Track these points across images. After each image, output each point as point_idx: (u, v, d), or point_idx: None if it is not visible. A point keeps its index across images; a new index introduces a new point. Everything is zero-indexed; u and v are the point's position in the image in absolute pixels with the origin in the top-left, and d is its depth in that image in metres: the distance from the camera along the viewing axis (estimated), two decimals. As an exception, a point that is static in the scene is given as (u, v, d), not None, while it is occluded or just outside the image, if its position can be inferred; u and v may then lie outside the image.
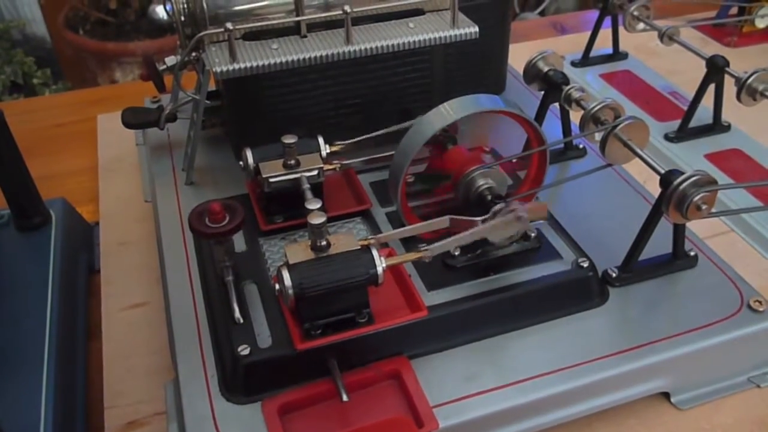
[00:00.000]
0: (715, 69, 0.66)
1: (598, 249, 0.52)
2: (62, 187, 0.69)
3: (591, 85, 0.79)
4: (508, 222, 0.43)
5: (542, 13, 2.43)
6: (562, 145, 0.62)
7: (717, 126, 0.70)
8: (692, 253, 0.52)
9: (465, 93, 0.68)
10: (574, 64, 0.83)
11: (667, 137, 0.70)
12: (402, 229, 0.46)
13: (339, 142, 0.55)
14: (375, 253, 0.42)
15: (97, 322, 0.55)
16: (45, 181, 0.61)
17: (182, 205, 0.57)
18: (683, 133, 0.69)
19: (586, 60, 0.82)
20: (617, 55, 0.83)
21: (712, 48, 0.91)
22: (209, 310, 0.47)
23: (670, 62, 0.85)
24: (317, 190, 0.51)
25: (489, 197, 0.47)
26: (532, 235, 0.50)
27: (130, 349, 0.52)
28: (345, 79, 0.60)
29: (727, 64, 0.66)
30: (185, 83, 0.59)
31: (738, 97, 0.63)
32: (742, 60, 0.88)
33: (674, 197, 0.45)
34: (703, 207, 0.45)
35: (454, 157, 0.51)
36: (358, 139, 0.55)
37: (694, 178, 0.45)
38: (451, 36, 0.58)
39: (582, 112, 0.54)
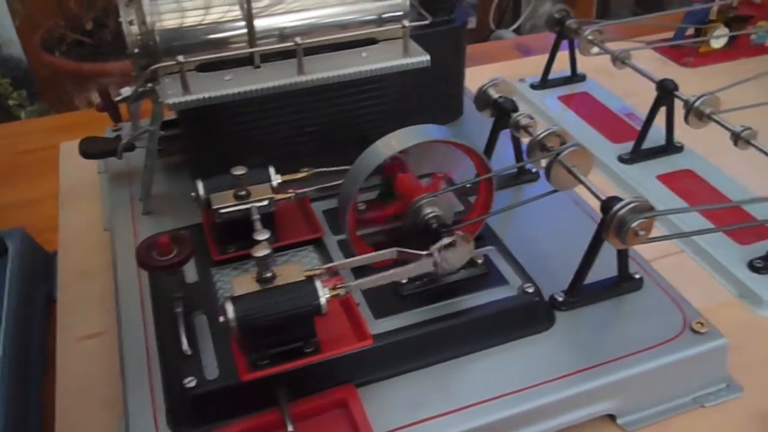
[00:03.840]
0: (665, 92, 0.67)
1: (548, 273, 0.53)
2: (24, 216, 0.69)
3: (549, 108, 0.81)
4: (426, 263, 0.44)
5: (517, 31, 2.47)
6: (515, 170, 0.63)
7: (670, 147, 0.72)
8: (638, 276, 0.53)
9: (422, 119, 0.69)
10: (533, 86, 0.84)
11: (621, 159, 0.71)
12: (349, 260, 0.47)
13: (288, 175, 0.56)
14: (318, 284, 0.42)
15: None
16: (6, 210, 0.61)
17: (138, 235, 0.58)
18: (636, 155, 0.71)
19: (545, 83, 0.84)
20: (575, 77, 0.85)
21: (670, 69, 0.93)
22: (160, 342, 0.48)
23: (628, 83, 0.86)
24: (268, 220, 0.52)
25: (435, 225, 0.48)
26: (479, 261, 0.51)
27: (85, 380, 0.52)
28: (300, 107, 0.61)
29: (676, 87, 0.67)
30: (147, 111, 0.59)
31: (686, 120, 0.65)
32: (699, 80, 0.90)
33: (613, 223, 0.46)
34: (641, 233, 0.46)
35: (404, 185, 0.52)
36: (303, 174, 0.56)
37: (632, 205, 0.46)
38: (402, 65, 0.59)
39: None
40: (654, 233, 0.60)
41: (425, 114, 0.69)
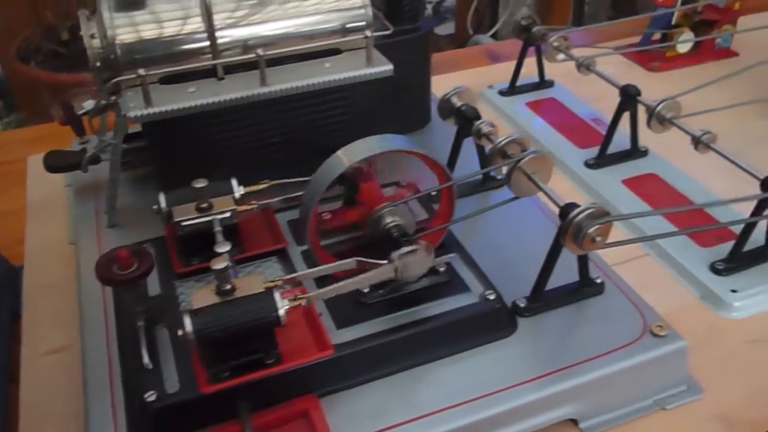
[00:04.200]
0: (628, 97, 0.68)
1: (511, 279, 0.53)
2: (-9, 230, 0.69)
3: (518, 114, 0.81)
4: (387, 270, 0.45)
5: (495, 36, 2.48)
6: (480, 177, 0.64)
7: (635, 152, 0.73)
8: (599, 281, 0.53)
9: (389, 127, 0.69)
10: (502, 93, 0.85)
11: (587, 164, 0.72)
12: (309, 270, 0.47)
13: (253, 186, 0.56)
14: (277, 295, 0.43)
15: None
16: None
17: (102, 249, 0.57)
18: (602, 160, 0.72)
19: (513, 89, 0.85)
20: (543, 83, 0.86)
21: (638, 73, 0.94)
22: (122, 356, 0.48)
23: (596, 89, 0.87)
24: (232, 232, 0.52)
25: (396, 234, 0.49)
26: (441, 269, 0.51)
27: (49, 395, 0.52)
28: (265, 118, 0.61)
29: (639, 93, 0.68)
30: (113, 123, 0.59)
31: (648, 124, 0.66)
32: (665, 84, 0.91)
33: (570, 229, 0.47)
34: (598, 239, 0.47)
35: (366, 194, 0.52)
36: (267, 185, 0.56)
37: (588, 211, 0.47)
38: (365, 75, 0.59)
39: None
40: (619, 237, 0.61)
41: (392, 122, 0.70)
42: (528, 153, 0.52)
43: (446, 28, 2.64)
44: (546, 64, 0.85)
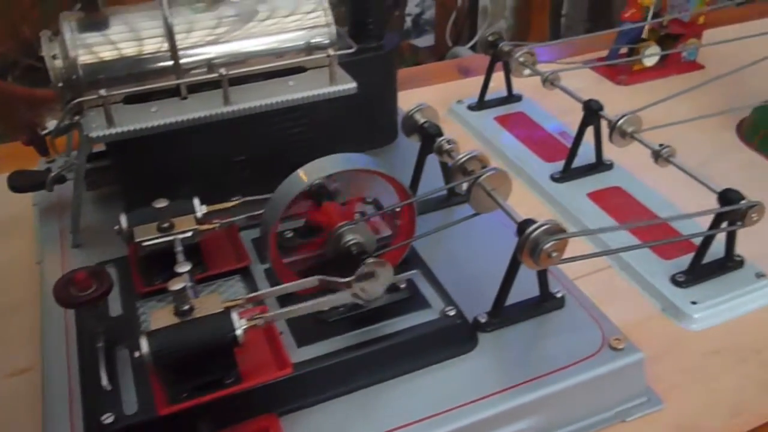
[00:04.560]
0: (591, 112, 0.69)
1: (474, 294, 0.54)
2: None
3: (486, 129, 0.82)
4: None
5: (474, 48, 2.50)
6: (445, 193, 0.64)
7: (600, 165, 0.74)
8: (559, 295, 0.54)
9: (355, 144, 0.69)
10: (471, 107, 0.86)
11: (553, 178, 0.73)
12: (269, 289, 0.47)
13: (218, 204, 0.56)
14: (234, 315, 0.43)
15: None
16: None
17: (66, 268, 0.57)
18: (567, 174, 0.73)
19: (481, 104, 0.85)
20: (511, 97, 0.87)
21: (606, 86, 0.95)
22: (81, 378, 0.48)
23: (564, 102, 0.88)
24: (194, 251, 0.52)
25: (355, 252, 0.49)
26: (402, 286, 0.51)
27: (11, 417, 0.52)
28: (231, 136, 0.62)
29: (601, 107, 0.69)
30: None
31: (610, 138, 0.67)
32: (632, 97, 0.92)
33: (527, 245, 0.47)
34: (554, 254, 0.47)
35: (327, 212, 0.53)
36: (232, 203, 0.56)
37: (544, 227, 0.47)
38: (328, 93, 0.60)
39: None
40: (584, 250, 0.62)
41: (359, 139, 0.70)
42: (487, 170, 0.52)
43: (426, 40, 2.66)
44: (515, 78, 0.86)
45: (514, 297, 0.53)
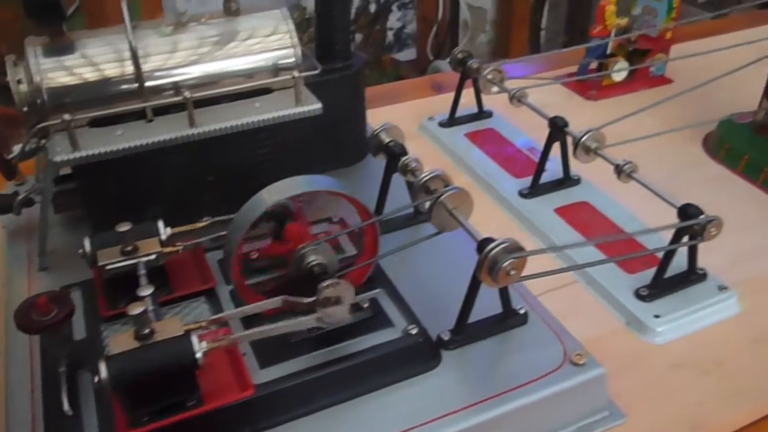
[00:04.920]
0: (556, 129, 0.70)
1: (439, 312, 0.54)
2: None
3: (456, 145, 0.83)
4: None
5: (455, 61, 2.52)
6: (412, 210, 0.65)
7: (567, 180, 0.75)
8: (522, 311, 0.55)
9: (324, 163, 0.71)
10: (441, 124, 0.87)
11: (521, 194, 0.74)
12: (232, 311, 0.47)
13: (185, 226, 0.56)
14: (194, 338, 0.43)
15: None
16: None
17: (32, 292, 0.57)
18: (535, 190, 0.73)
19: (452, 121, 0.86)
20: (482, 114, 0.88)
21: (576, 101, 0.96)
22: (44, 403, 0.48)
23: (534, 118, 0.89)
24: (159, 273, 0.52)
25: (318, 273, 0.50)
26: (365, 305, 0.52)
27: (-24, 444, 0.52)
28: (198, 158, 0.62)
29: (566, 124, 0.70)
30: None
31: (574, 155, 0.68)
32: (601, 112, 0.94)
33: (486, 263, 0.48)
34: (512, 272, 0.48)
35: (291, 233, 0.53)
36: (198, 225, 0.56)
37: (503, 246, 0.48)
38: (294, 114, 0.61)
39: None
40: (551, 265, 0.62)
41: (328, 157, 0.71)
42: (448, 189, 0.53)
43: (407, 54, 2.68)
44: (485, 95, 0.87)
45: (477, 314, 0.54)
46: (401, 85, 1.05)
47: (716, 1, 2.70)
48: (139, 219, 0.55)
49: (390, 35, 2.63)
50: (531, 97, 0.91)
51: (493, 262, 0.48)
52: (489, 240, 0.49)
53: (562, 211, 0.71)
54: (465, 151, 0.82)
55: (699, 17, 1.03)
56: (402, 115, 0.93)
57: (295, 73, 0.60)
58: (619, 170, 0.64)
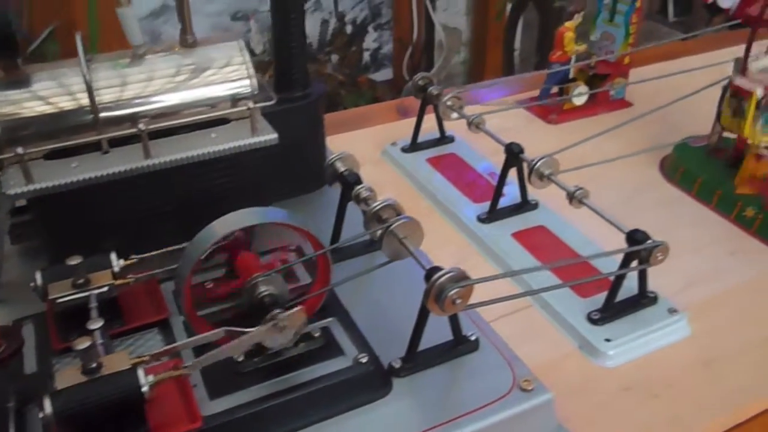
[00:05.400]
0: (512, 155, 0.72)
1: (393, 339, 0.55)
2: None
3: (418, 171, 0.84)
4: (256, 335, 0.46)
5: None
6: (368, 237, 0.66)
7: (525, 205, 0.76)
8: (473, 338, 0.55)
9: (283, 191, 0.71)
10: (404, 150, 0.88)
11: (479, 218, 0.75)
12: (177, 343, 0.48)
13: (142, 255, 0.57)
14: (140, 372, 0.43)
15: None
16: None
17: (-14, 325, 0.57)
18: (493, 215, 0.75)
19: (414, 146, 0.88)
20: (444, 139, 0.89)
21: (537, 125, 0.98)
22: (-8, 438, 0.48)
23: (495, 142, 0.91)
24: (111, 306, 0.53)
25: (269, 303, 0.50)
26: (316, 334, 0.53)
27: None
28: (155, 189, 0.62)
29: (522, 150, 0.72)
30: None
31: (528, 180, 0.69)
32: (562, 135, 0.95)
33: (432, 292, 0.49)
34: (458, 301, 0.49)
35: (242, 263, 0.54)
36: (153, 255, 0.57)
37: (449, 275, 0.49)
38: (249, 144, 0.61)
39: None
40: (508, 290, 0.63)
41: (288, 186, 0.72)
42: (399, 218, 0.54)
43: (384, 75, 2.70)
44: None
45: (429, 341, 0.54)
46: (367, 110, 1.06)
47: (687, 20, 2.77)
48: (97, 250, 0.56)
49: (366, 56, 2.65)
50: (494, 121, 0.92)
51: (439, 291, 0.49)
52: (436, 269, 0.50)
53: (519, 236, 0.73)
54: (426, 176, 0.83)
55: (646, 46, 1.04)
56: (367, 140, 0.94)
57: (250, 104, 0.61)
58: (570, 196, 0.65)
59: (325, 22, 2.52)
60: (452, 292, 0.48)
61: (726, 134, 0.82)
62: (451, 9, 2.54)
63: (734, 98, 0.74)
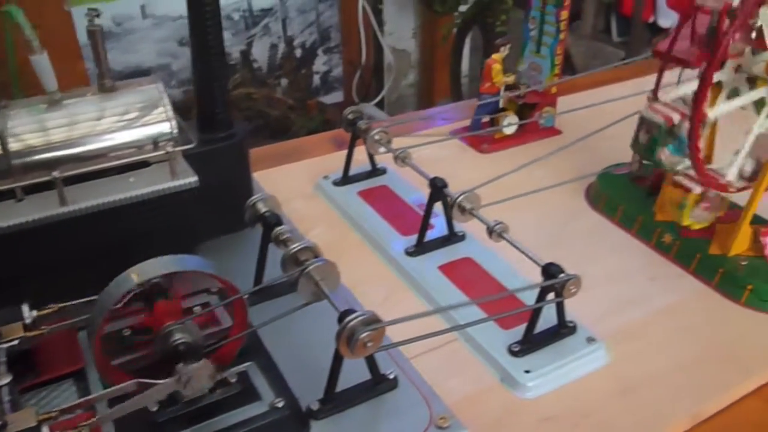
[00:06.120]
0: (436, 189, 0.73)
1: (314, 380, 0.55)
2: None
3: (349, 204, 0.85)
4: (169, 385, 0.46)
5: (381, 103, 2.57)
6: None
7: (452, 237, 0.77)
8: (392, 376, 0.56)
9: (209, 232, 0.71)
10: (335, 183, 0.88)
11: (407, 252, 0.76)
12: (86, 397, 0.47)
13: (62, 304, 0.56)
14: (45, 430, 0.43)
15: None
16: None
17: None
18: (420, 248, 0.76)
19: (346, 179, 0.88)
20: (375, 171, 0.90)
21: (470, 155, 1.00)
22: None
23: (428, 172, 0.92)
24: (24, 358, 0.52)
25: (183, 351, 0.50)
26: (233, 380, 0.53)
27: None
28: (73, 235, 0.61)
29: (445, 184, 0.73)
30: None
31: (451, 215, 0.70)
32: (495, 164, 0.97)
33: (343, 335, 0.49)
34: (369, 344, 0.49)
35: (160, 311, 0.54)
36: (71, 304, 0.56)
37: (361, 318, 0.50)
38: (168, 188, 0.62)
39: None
40: (433, 325, 0.64)
41: (214, 226, 0.72)
42: (315, 261, 0.55)
43: (334, 97, 2.72)
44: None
45: (348, 381, 0.55)
46: (303, 142, 1.07)
47: (631, 41, 2.85)
48: (12, 301, 0.55)
49: (317, 79, 2.67)
50: (428, 151, 0.94)
51: (350, 334, 0.49)
52: (349, 311, 0.50)
53: (445, 268, 0.74)
54: (357, 209, 0.84)
55: (568, 78, 1.07)
56: (302, 173, 0.95)
57: (169, 147, 0.61)
58: (490, 230, 0.67)
59: (274, 47, 2.53)
60: (363, 335, 0.49)
61: (647, 161, 0.84)
62: (399, 32, 2.58)
63: (643, 128, 0.77)
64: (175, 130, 0.64)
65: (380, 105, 2.58)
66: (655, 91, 0.76)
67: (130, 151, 0.63)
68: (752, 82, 0.72)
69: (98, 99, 0.63)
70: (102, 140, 0.62)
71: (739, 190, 0.74)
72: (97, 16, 0.59)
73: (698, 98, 0.68)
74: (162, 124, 0.63)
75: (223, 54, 0.68)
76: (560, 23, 0.95)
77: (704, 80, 0.67)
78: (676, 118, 0.72)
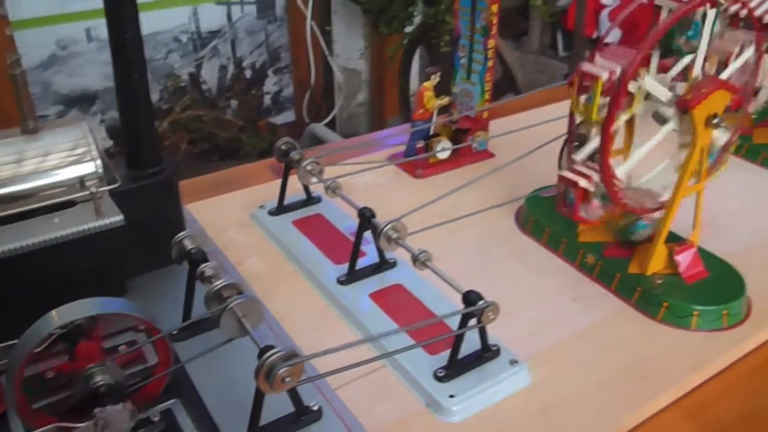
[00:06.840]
0: (364, 219, 0.75)
1: (242, 415, 0.56)
2: None
3: (284, 234, 0.86)
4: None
5: (332, 122, 2.60)
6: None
7: (383, 264, 0.79)
8: (316, 407, 0.58)
9: (140, 267, 0.72)
10: (271, 212, 0.90)
11: (338, 281, 0.77)
12: (4, 443, 0.48)
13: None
14: (-40, 480, 0.43)
15: None
16: None
17: None
18: (352, 276, 0.77)
19: (281, 208, 0.90)
20: (310, 200, 0.91)
21: (405, 180, 1.02)
22: None
23: (361, 201, 0.94)
24: (-58, 405, 0.52)
25: (104, 393, 0.51)
26: (155, 419, 0.53)
27: None
28: (-2, 276, 0.62)
29: (373, 215, 0.75)
30: None
31: (378, 243, 0.72)
32: (429, 188, 1.00)
33: (262, 371, 0.51)
34: (287, 379, 0.51)
35: (82, 352, 0.54)
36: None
37: (279, 354, 0.51)
38: (93, 228, 0.62)
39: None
40: (363, 353, 0.65)
41: (145, 261, 0.73)
42: (236, 297, 0.56)
43: (285, 117, 2.74)
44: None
45: (273, 413, 0.56)
46: (241, 171, 1.07)
47: (573, 56, 2.92)
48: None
49: (267, 99, 2.68)
50: (364, 178, 0.97)
51: (269, 370, 0.51)
52: (269, 347, 0.52)
53: (376, 296, 0.76)
54: (292, 239, 0.85)
55: (500, 102, 1.10)
56: (238, 202, 0.96)
57: (93, 188, 0.62)
58: (414, 259, 0.69)
59: (223, 68, 2.53)
60: (282, 370, 0.50)
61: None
62: (348, 52, 2.61)
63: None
64: (101, 170, 0.64)
65: (332, 124, 2.60)
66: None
67: (54, 191, 0.63)
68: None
69: (22, 141, 0.63)
70: (25, 182, 0.62)
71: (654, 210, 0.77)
72: (18, 62, 0.59)
73: (603, 152, 0.71)
74: (87, 164, 0.64)
75: (147, 94, 0.69)
76: (488, 51, 0.98)
77: (605, 136, 0.70)
78: (592, 183, 0.74)
